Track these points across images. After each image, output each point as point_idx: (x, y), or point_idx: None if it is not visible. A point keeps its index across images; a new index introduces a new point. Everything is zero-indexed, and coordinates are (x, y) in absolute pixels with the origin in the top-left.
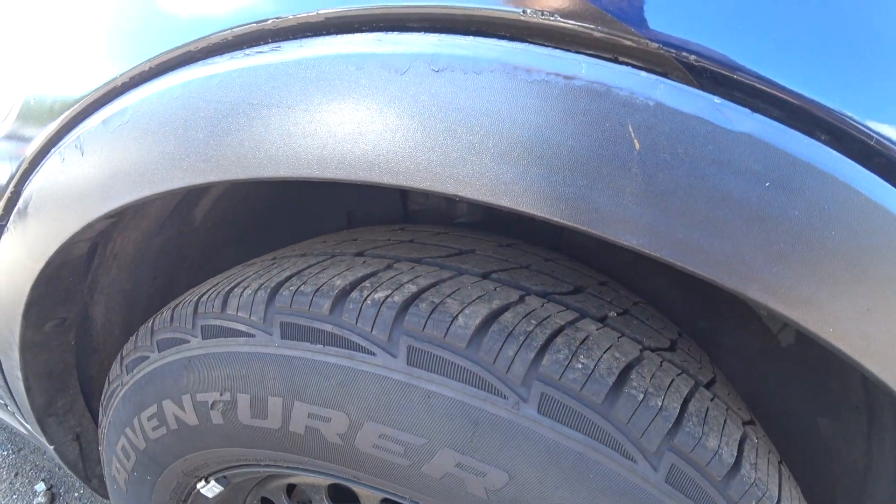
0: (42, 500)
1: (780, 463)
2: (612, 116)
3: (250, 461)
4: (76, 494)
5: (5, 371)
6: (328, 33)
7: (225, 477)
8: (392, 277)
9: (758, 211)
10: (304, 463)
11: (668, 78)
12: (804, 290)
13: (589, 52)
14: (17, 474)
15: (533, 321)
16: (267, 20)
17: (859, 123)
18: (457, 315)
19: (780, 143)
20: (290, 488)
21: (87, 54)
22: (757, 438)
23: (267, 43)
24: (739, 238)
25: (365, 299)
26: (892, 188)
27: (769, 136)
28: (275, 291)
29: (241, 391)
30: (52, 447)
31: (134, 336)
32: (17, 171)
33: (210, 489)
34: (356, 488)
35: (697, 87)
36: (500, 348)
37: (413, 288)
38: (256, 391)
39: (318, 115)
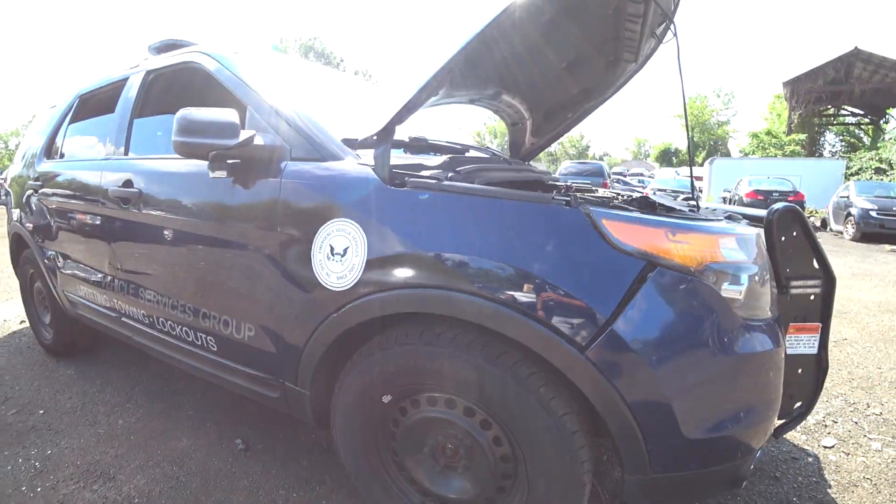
0: (242, 447)
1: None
2: None
3: (423, 385)
4: (259, 446)
5: (303, 355)
6: None
7: (395, 392)
8: None
9: None
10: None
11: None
12: None
13: None
14: (220, 436)
15: None
16: None
17: None
18: None
19: None
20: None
21: None
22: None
23: None
24: None
25: None
26: None
27: None
28: None
29: None
30: (307, 392)
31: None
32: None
33: (387, 398)
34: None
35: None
36: None
37: None
38: None
39: None
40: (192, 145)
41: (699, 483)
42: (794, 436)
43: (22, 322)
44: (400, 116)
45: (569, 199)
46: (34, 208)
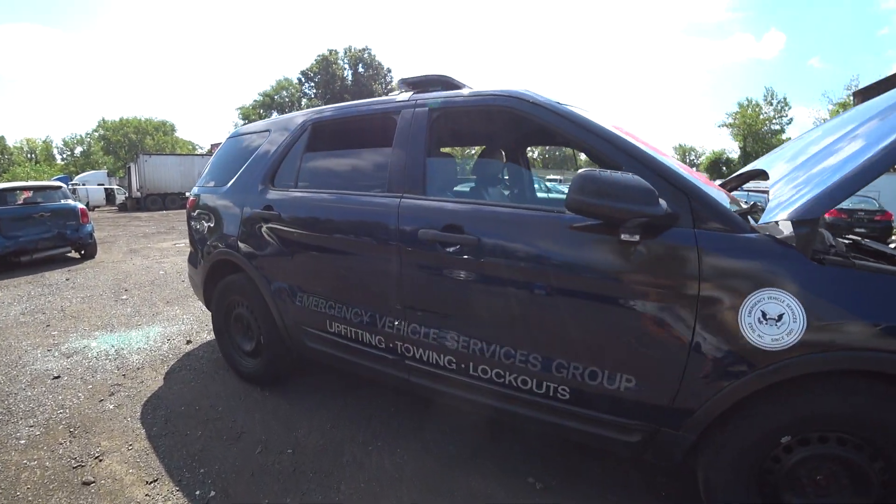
0: (540, 487)
1: None
2: None
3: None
4: (554, 484)
5: (707, 404)
6: None
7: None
8: None
9: None
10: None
11: None
12: None
13: None
14: (508, 473)
15: None
16: None
17: None
18: None
19: None
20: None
21: None
22: None
23: None
24: None
25: None
26: None
27: None
28: None
29: None
30: (692, 437)
31: None
32: None
33: (786, 438)
34: None
35: None
36: None
37: None
38: None
39: None
40: (602, 207)
41: None
42: None
43: (189, 342)
44: (835, 200)
45: None
46: (264, 238)
